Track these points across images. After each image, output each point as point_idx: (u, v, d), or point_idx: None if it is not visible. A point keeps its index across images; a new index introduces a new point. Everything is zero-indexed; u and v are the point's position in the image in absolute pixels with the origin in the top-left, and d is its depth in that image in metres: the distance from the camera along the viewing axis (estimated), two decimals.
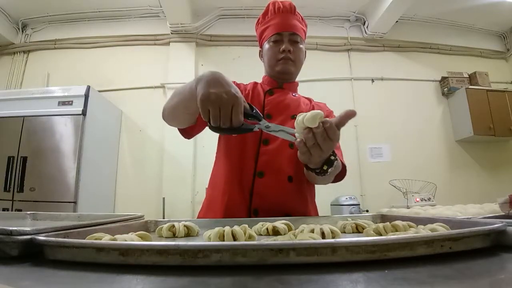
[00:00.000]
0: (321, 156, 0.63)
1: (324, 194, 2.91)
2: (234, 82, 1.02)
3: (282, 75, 1.01)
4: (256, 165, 0.89)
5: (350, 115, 0.65)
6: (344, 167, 0.91)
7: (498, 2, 3.20)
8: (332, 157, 0.70)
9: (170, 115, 0.82)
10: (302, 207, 0.91)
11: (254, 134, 0.92)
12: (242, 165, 0.90)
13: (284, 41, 0.98)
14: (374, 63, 3.43)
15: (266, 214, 0.81)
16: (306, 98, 1.07)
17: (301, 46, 1.00)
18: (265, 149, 0.90)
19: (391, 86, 3.39)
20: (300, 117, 0.62)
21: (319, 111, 0.61)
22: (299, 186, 0.91)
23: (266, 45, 1.01)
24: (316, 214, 1.00)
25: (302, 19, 1.03)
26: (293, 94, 1.02)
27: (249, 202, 0.86)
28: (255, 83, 1.06)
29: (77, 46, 3.33)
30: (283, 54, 0.97)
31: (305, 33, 1.04)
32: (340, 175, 0.92)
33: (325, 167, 0.69)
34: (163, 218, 2.47)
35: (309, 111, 0.93)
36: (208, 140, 2.29)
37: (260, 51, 1.07)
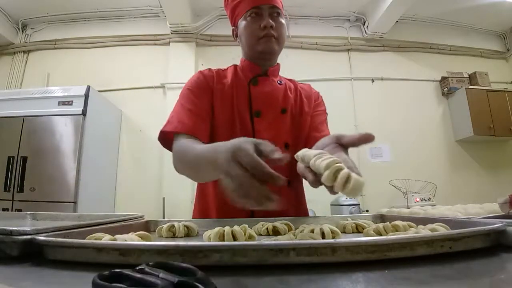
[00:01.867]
0: None
1: (324, 194, 2.91)
2: (209, 69, 0.92)
3: (265, 56, 0.88)
4: None
5: (367, 139, 0.52)
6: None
7: (498, 2, 3.20)
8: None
9: (191, 176, 0.72)
10: (297, 208, 0.89)
11: (245, 135, 0.85)
12: None
13: (264, 15, 0.84)
14: (374, 63, 3.43)
15: (262, 214, 0.77)
16: (289, 80, 0.98)
17: (282, 20, 0.87)
18: None
19: (391, 86, 3.39)
20: (314, 161, 0.44)
21: (358, 179, 0.37)
22: (295, 188, 0.89)
23: (243, 22, 0.87)
24: (307, 215, 0.96)
25: None
26: (278, 81, 0.92)
27: None
28: (235, 68, 0.93)
29: (77, 46, 3.33)
30: (265, 30, 0.84)
31: (282, 5, 0.91)
32: None
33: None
34: (163, 218, 2.47)
35: (296, 99, 0.90)
36: None
37: (233, 30, 0.93)
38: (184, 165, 0.70)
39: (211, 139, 0.83)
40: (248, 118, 0.85)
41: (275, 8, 0.86)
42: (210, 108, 0.85)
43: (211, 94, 0.86)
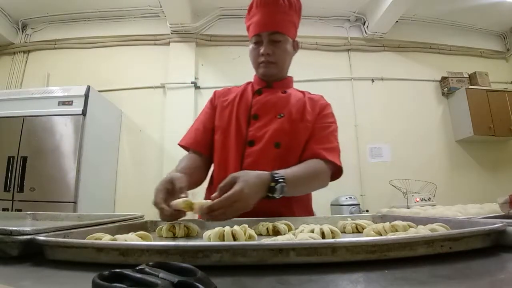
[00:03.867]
0: (244, 209, 0.63)
1: (324, 194, 2.91)
2: (226, 88, 1.07)
3: (265, 78, 0.98)
4: (241, 168, 0.88)
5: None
6: (338, 168, 0.90)
7: (498, 2, 3.20)
8: (273, 183, 0.68)
9: None
10: (288, 208, 0.89)
11: (239, 136, 0.92)
12: (228, 168, 0.90)
13: (263, 42, 0.92)
14: (374, 63, 3.43)
15: (250, 214, 0.79)
16: (300, 91, 1.04)
17: (284, 45, 0.94)
18: (250, 151, 0.90)
19: (391, 86, 3.39)
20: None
21: (183, 199, 0.63)
22: None
23: (249, 46, 0.98)
24: (307, 214, 0.96)
25: (290, 5, 0.93)
26: (283, 91, 0.99)
27: None
28: (248, 84, 1.05)
29: (77, 46, 3.33)
30: (262, 57, 0.93)
31: (294, 23, 0.96)
32: (335, 176, 0.93)
33: (270, 195, 0.69)
34: None
35: (299, 107, 0.96)
36: None
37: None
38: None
39: (215, 141, 0.98)
40: (245, 121, 0.94)
41: (276, 34, 0.92)
42: (213, 124, 1.00)
43: (215, 109, 1.01)
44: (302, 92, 1.04)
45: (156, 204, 0.65)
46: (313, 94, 1.05)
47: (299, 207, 0.93)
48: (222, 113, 0.98)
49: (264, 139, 0.89)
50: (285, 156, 0.89)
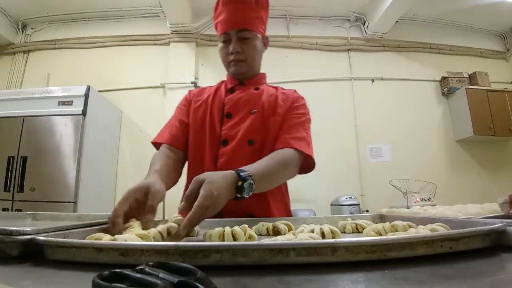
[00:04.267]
0: (216, 211, 0.58)
1: (324, 194, 2.91)
2: (201, 88, 1.06)
3: (236, 76, 0.98)
4: (216, 167, 0.87)
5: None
6: (310, 159, 0.89)
7: (498, 2, 3.20)
8: (240, 182, 0.63)
9: None
10: (264, 206, 0.88)
11: (213, 136, 0.91)
12: (202, 168, 0.89)
13: (232, 40, 0.92)
14: (374, 63, 3.43)
15: (230, 215, 0.77)
16: (273, 87, 1.03)
17: (253, 42, 0.93)
18: (224, 150, 0.89)
19: (391, 86, 3.39)
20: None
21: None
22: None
23: (218, 44, 0.97)
24: (285, 213, 0.95)
25: (257, 1, 0.92)
26: (256, 88, 0.98)
27: None
28: (221, 83, 1.04)
29: (77, 46, 3.33)
30: (232, 56, 0.93)
31: (262, 19, 0.95)
32: (307, 168, 0.91)
33: (239, 195, 0.64)
34: (163, 218, 2.47)
35: (270, 102, 0.95)
36: None
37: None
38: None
39: (189, 141, 0.96)
40: (219, 120, 0.94)
41: (244, 31, 0.91)
42: (188, 119, 0.99)
43: (190, 106, 1.01)
44: (275, 87, 1.03)
45: (114, 216, 0.56)
46: (286, 89, 1.03)
47: (277, 207, 0.92)
48: (196, 112, 0.97)
49: (237, 138, 0.89)
50: (259, 153, 0.87)
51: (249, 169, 0.68)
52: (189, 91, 1.06)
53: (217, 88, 1.02)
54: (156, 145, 0.96)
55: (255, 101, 0.94)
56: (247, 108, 0.93)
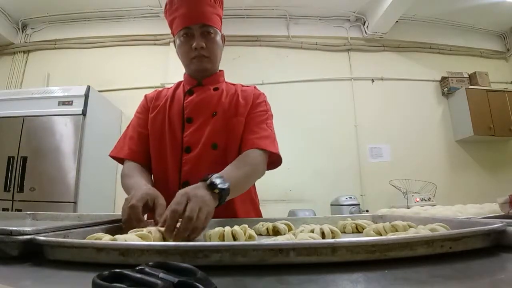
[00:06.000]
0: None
1: (324, 194, 2.91)
2: (154, 91, 1.02)
3: (198, 73, 0.93)
4: (180, 176, 0.85)
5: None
6: (276, 156, 0.88)
7: (498, 2, 3.20)
8: (216, 190, 0.62)
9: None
10: (230, 208, 0.86)
11: (175, 143, 0.88)
12: (167, 178, 0.87)
13: (195, 35, 0.87)
14: (374, 63, 3.43)
15: None
16: (232, 85, 1.00)
17: (215, 38, 0.90)
18: (188, 158, 0.86)
19: (391, 86, 3.39)
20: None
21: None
22: None
23: (177, 40, 0.91)
24: (254, 213, 0.94)
25: None
26: (215, 88, 0.94)
27: None
28: (178, 84, 1.00)
29: (77, 46, 3.33)
30: (195, 52, 0.88)
31: (219, 16, 0.93)
32: (274, 163, 0.91)
33: (216, 191, 0.62)
34: None
35: (231, 102, 0.93)
36: None
37: (174, 41, 0.95)
38: (123, 186, 0.85)
39: (151, 152, 0.93)
40: (179, 126, 0.90)
41: (207, 26, 0.88)
42: (147, 129, 0.94)
43: (148, 112, 0.96)
44: (234, 85, 1.00)
45: (137, 213, 0.58)
46: (246, 86, 1.01)
47: (244, 209, 0.90)
48: (154, 120, 0.93)
49: (200, 143, 0.86)
50: (224, 156, 0.86)
51: (223, 175, 0.66)
52: (145, 96, 1.01)
53: (174, 90, 0.98)
54: (116, 158, 0.94)
55: (215, 103, 0.91)
56: (208, 111, 0.90)
